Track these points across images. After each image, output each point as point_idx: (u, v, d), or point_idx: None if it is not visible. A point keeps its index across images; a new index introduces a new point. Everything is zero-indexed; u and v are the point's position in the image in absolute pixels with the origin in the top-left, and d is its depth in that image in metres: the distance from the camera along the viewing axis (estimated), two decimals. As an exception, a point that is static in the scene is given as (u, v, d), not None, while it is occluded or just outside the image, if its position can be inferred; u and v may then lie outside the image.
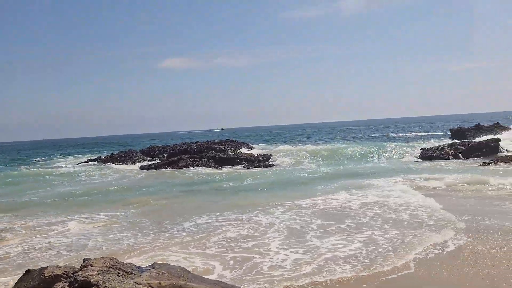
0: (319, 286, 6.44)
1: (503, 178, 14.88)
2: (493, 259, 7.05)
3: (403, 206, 11.53)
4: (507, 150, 26.14)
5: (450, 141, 31.04)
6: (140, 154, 36.11)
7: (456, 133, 35.10)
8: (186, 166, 27.66)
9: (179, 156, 30.13)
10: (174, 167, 27.46)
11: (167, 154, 33.64)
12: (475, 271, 6.61)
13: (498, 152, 25.52)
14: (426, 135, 48.32)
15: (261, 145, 43.33)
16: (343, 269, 7.04)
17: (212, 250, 8.57)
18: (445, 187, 14.54)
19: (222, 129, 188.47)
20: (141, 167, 28.64)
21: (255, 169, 25.32)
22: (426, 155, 25.70)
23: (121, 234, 10.23)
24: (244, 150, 33.62)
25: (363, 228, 9.58)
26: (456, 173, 17.08)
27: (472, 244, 7.88)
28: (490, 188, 13.67)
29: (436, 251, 7.69)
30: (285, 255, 7.96)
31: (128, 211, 13.36)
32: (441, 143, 29.80)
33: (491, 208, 10.90)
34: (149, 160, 33.20)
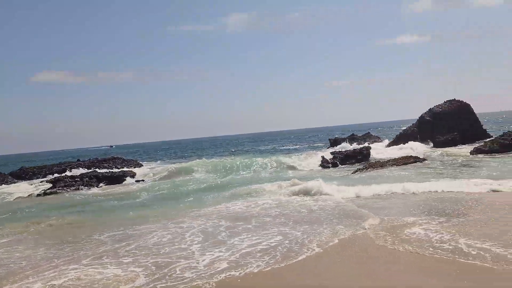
0: (238, 280, 6.99)
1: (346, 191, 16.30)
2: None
3: (299, 207, 12.87)
4: (381, 159, 29.24)
5: (331, 149, 33.63)
6: (10, 177, 32.11)
7: (334, 142, 38.18)
8: (65, 187, 25.28)
9: (56, 177, 27.47)
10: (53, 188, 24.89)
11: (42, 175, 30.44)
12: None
13: (369, 157, 28.51)
14: (307, 146, 51.86)
15: (157, 162, 41.87)
16: (258, 262, 7.81)
17: (129, 258, 8.67)
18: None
19: (112, 146, 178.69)
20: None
21: (143, 185, 24.21)
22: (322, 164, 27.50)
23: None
24: (131, 168, 32.05)
25: (267, 226, 10.61)
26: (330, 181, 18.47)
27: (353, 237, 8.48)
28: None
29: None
30: (204, 254, 8.51)
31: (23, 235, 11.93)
32: (319, 153, 32.14)
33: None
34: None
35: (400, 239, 8.41)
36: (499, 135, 28.46)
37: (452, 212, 10.40)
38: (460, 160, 22.95)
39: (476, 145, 27.78)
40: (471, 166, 19.89)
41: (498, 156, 23.09)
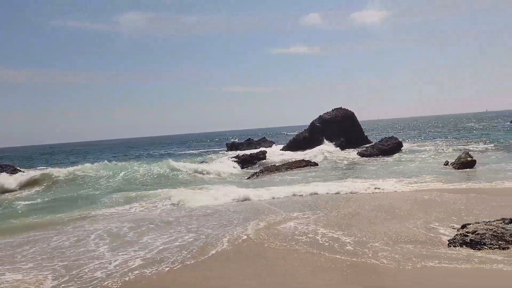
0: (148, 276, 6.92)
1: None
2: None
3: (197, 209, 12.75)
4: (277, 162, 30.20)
5: (231, 153, 34.00)
6: None
7: (231, 146, 38.60)
8: None
9: None
10: None
11: None
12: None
13: (264, 160, 29.48)
14: (205, 151, 51.69)
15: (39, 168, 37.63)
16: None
17: (29, 264, 8.03)
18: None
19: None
20: None
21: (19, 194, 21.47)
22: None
23: None
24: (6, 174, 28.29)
25: (172, 225, 10.59)
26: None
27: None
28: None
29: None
30: (114, 254, 8.24)
31: None
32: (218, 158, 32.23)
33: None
34: None
35: (273, 234, 8.82)
36: (378, 141, 31.61)
37: (325, 208, 11.07)
38: (346, 162, 24.89)
39: (359, 149, 30.50)
40: (354, 169, 21.61)
41: (377, 158, 25.55)
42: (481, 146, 29.32)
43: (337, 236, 8.43)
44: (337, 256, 7.14)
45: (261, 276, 6.54)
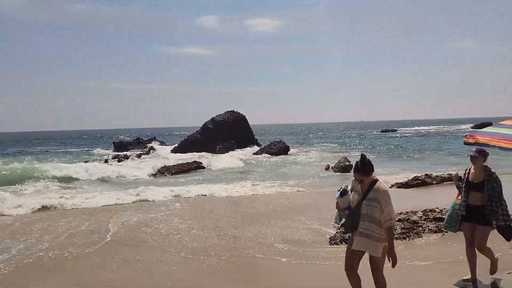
0: None
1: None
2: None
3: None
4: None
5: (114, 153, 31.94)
6: None
7: (119, 145, 36.38)
8: None
9: None
10: None
11: None
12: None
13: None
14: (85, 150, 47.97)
15: None
16: None
17: None
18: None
19: None
20: None
21: None
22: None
23: None
24: None
25: None
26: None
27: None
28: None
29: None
30: None
31: None
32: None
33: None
34: None
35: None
36: (267, 144, 32.72)
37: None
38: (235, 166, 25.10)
39: (250, 151, 31.17)
40: (244, 173, 21.85)
41: (267, 160, 26.29)
42: (358, 152, 32.19)
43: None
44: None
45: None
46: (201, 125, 37.52)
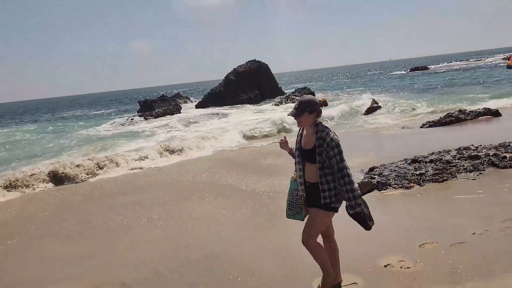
0: None
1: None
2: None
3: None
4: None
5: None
6: None
7: (144, 105, 36.64)
8: None
9: None
10: None
11: None
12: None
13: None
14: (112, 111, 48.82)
15: None
16: None
17: None
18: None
19: None
20: None
21: None
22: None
23: None
24: None
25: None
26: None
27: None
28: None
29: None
30: None
31: None
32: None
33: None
34: None
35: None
36: (291, 92, 32.27)
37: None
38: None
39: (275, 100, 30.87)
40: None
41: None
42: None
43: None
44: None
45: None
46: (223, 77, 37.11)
